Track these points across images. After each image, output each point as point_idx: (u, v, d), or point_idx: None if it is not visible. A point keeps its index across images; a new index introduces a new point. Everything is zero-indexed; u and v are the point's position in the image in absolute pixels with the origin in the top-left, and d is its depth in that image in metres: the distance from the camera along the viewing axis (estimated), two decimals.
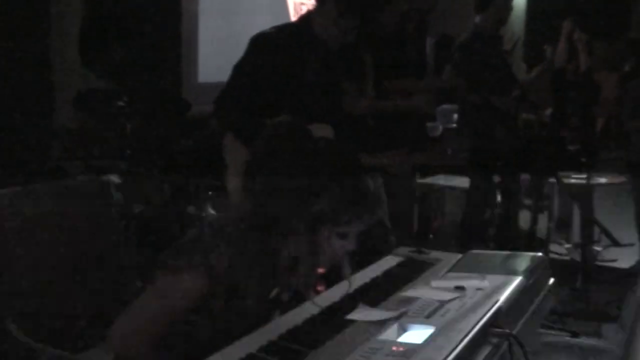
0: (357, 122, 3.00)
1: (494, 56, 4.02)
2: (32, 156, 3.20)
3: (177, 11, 4.02)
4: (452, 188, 4.59)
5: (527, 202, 4.51)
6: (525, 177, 4.31)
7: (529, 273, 1.97)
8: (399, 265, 2.13)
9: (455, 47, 3.92)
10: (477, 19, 4.03)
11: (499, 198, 4.29)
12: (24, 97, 3.39)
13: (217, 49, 4.15)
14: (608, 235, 4.57)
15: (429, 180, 4.70)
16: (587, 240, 4.34)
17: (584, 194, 4.48)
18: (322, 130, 2.69)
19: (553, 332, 3.32)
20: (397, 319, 1.55)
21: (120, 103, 3.01)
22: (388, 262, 2.15)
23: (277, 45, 2.61)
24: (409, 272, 2.02)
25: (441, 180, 4.71)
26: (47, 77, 3.53)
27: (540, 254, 2.19)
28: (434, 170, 4.78)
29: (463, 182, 4.37)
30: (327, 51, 2.71)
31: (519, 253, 2.23)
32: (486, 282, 1.85)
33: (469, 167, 4.19)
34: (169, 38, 4.02)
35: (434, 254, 2.19)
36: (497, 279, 1.92)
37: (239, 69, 2.62)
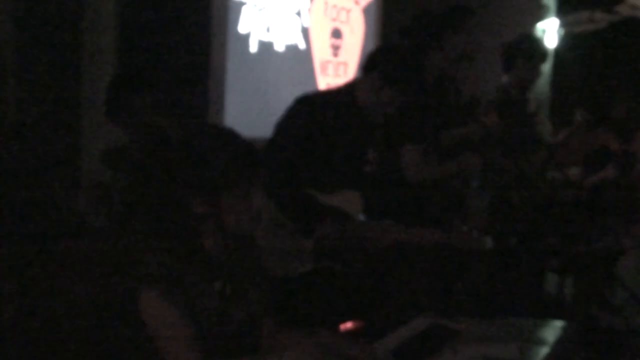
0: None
1: (519, 118, 4.02)
2: (58, 211, 3.22)
3: (205, 70, 4.09)
4: (476, 248, 4.53)
5: (554, 264, 4.44)
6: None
7: (559, 344, 1.92)
8: (426, 330, 2.09)
9: (481, 107, 3.92)
10: (504, 80, 4.05)
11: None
12: (51, 151, 3.44)
13: (243, 104, 4.20)
14: (637, 299, 4.46)
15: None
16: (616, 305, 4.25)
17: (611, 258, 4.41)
18: (351, 199, 2.70)
19: None
20: None
21: (132, 154, 3.03)
22: (416, 326, 2.11)
23: (321, 108, 2.63)
24: (437, 339, 1.98)
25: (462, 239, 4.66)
26: (76, 132, 3.58)
27: (571, 322, 2.14)
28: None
29: (487, 242, 4.32)
30: (367, 121, 2.72)
31: (549, 321, 2.18)
32: (517, 353, 1.81)
33: (491, 227, 4.14)
34: (197, 96, 4.07)
35: (462, 319, 2.15)
36: (526, 348, 1.87)
37: (282, 127, 2.63)
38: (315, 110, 2.61)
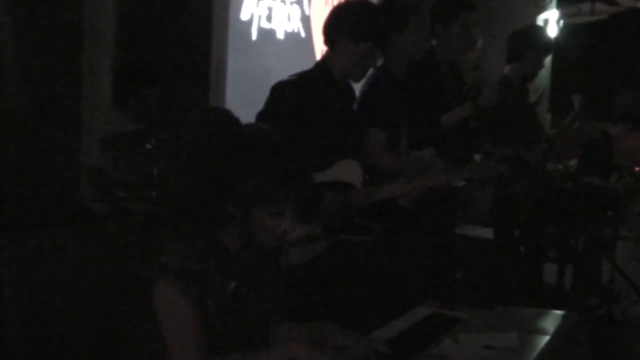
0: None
1: (519, 107, 4.02)
2: (60, 196, 3.22)
3: (206, 58, 4.08)
4: (477, 239, 4.55)
5: (553, 254, 4.45)
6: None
7: (559, 333, 1.93)
8: (426, 319, 2.10)
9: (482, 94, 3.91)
10: (506, 69, 4.04)
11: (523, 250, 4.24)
12: (52, 137, 3.43)
13: (244, 96, 4.19)
14: (636, 289, 4.48)
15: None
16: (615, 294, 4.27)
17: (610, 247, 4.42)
18: (351, 169, 2.71)
19: None
20: None
21: (148, 146, 3.04)
22: (416, 315, 2.12)
23: (298, 90, 2.64)
24: (437, 328, 1.99)
25: (466, 230, 4.67)
26: (77, 117, 3.58)
27: (571, 312, 2.15)
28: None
29: (487, 232, 4.33)
30: (345, 90, 2.77)
31: (549, 311, 2.19)
32: (517, 342, 1.82)
33: (492, 218, 4.15)
34: (198, 84, 4.06)
35: (463, 309, 2.16)
36: (526, 337, 1.88)
37: (263, 118, 2.64)
38: (292, 93, 2.64)
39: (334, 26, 2.73)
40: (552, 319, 2.09)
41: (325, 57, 2.79)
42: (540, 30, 4.87)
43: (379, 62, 3.19)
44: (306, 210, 2.55)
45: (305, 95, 2.64)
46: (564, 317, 2.10)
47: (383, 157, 2.94)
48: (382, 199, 2.72)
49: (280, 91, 2.67)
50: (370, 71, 3.14)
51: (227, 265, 1.67)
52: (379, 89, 3.12)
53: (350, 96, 2.87)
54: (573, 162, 4.94)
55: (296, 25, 4.80)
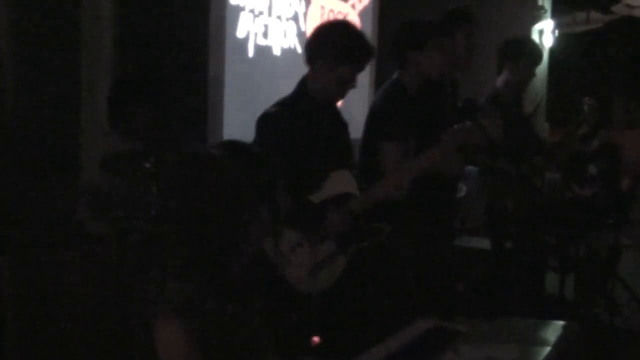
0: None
1: (515, 119, 4.02)
2: (57, 217, 3.22)
3: (204, 75, 4.10)
4: (476, 250, 4.55)
5: (554, 263, 4.44)
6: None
7: (560, 344, 1.93)
8: (427, 332, 2.10)
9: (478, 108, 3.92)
10: (498, 81, 4.06)
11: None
12: (51, 157, 3.44)
13: (241, 112, 4.21)
14: (637, 298, 4.47)
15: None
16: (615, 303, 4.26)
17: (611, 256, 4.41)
18: (343, 178, 2.73)
19: None
20: None
21: (147, 165, 3.04)
22: (417, 328, 2.12)
23: (284, 119, 2.66)
24: (438, 341, 1.99)
25: (466, 241, 4.68)
26: (75, 137, 3.59)
27: (571, 322, 2.15)
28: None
29: (487, 243, 4.32)
30: (327, 108, 2.79)
31: (550, 322, 2.19)
32: (518, 353, 1.82)
33: (488, 229, 4.15)
34: (196, 101, 4.08)
35: (463, 321, 2.16)
36: (527, 349, 1.88)
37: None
38: (279, 123, 2.67)
39: (315, 47, 2.74)
40: (553, 330, 2.08)
41: (305, 76, 2.80)
42: (528, 39, 4.90)
43: (394, 76, 3.21)
44: (315, 233, 2.56)
45: (289, 125, 2.66)
46: (565, 328, 2.10)
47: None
48: (381, 196, 2.73)
49: (266, 124, 2.70)
50: (385, 85, 3.17)
51: (226, 289, 1.66)
52: (393, 104, 3.13)
53: (333, 112, 2.87)
54: None
55: (292, 42, 4.83)
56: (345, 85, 2.74)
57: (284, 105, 2.74)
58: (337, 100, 2.86)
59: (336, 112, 2.91)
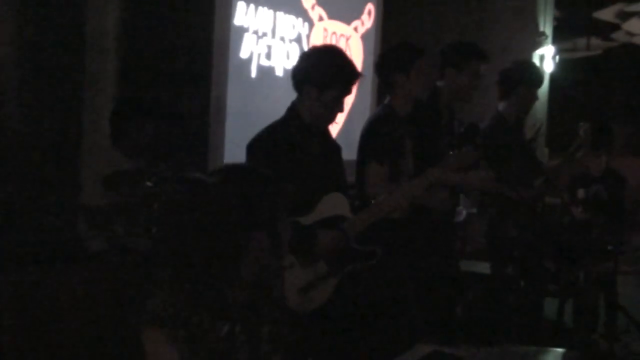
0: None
1: (516, 144, 4.04)
2: (59, 233, 3.22)
3: (206, 95, 4.12)
4: (476, 274, 4.54)
5: (553, 288, 4.43)
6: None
7: None
8: (426, 357, 2.09)
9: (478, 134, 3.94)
10: (500, 106, 4.07)
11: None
12: (52, 173, 3.45)
13: (243, 133, 4.22)
14: (637, 325, 4.46)
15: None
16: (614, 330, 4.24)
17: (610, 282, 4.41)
18: (336, 201, 2.73)
19: None
20: None
21: (149, 183, 3.04)
22: (417, 353, 2.11)
23: (274, 144, 2.68)
24: None
25: (466, 265, 4.67)
26: (77, 155, 3.59)
27: (571, 349, 2.14)
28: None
29: (486, 268, 4.32)
30: (316, 131, 2.80)
31: (550, 349, 2.18)
32: None
33: (488, 253, 4.14)
34: (198, 121, 4.10)
35: (463, 347, 2.15)
36: None
37: None
38: (269, 149, 2.68)
39: (301, 72, 2.76)
40: (553, 357, 2.07)
41: (295, 101, 2.82)
42: (531, 64, 4.92)
43: (386, 100, 3.25)
44: (305, 254, 2.56)
45: (278, 149, 2.67)
46: (564, 355, 2.09)
47: (384, 188, 2.97)
48: (375, 218, 2.73)
49: (255, 149, 2.71)
50: (377, 109, 3.19)
51: (221, 308, 1.67)
52: (380, 126, 3.17)
53: (323, 136, 2.89)
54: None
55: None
56: (332, 109, 2.75)
57: (273, 129, 2.76)
58: (327, 124, 2.86)
59: (326, 136, 2.93)
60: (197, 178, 1.74)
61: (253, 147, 2.73)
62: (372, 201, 2.78)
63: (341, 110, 2.79)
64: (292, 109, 2.80)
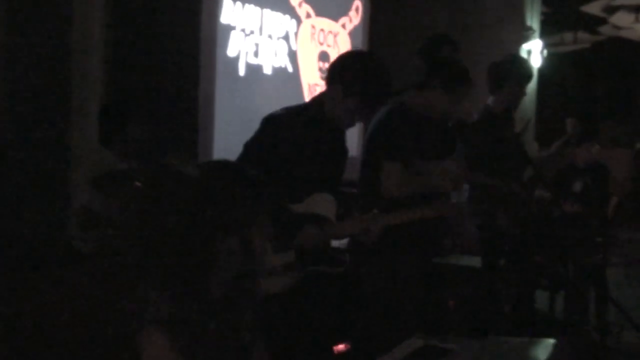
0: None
1: (505, 137, 4.05)
2: (47, 235, 3.21)
3: (195, 93, 4.11)
4: (467, 267, 4.55)
5: (544, 281, 4.45)
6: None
7: None
8: (418, 351, 2.09)
9: (467, 128, 3.95)
10: (490, 100, 4.09)
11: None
12: (41, 177, 3.43)
13: (232, 131, 4.22)
14: (627, 316, 4.49)
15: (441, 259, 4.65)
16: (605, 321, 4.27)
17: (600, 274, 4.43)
18: (325, 203, 2.73)
19: None
20: None
21: (138, 184, 3.03)
22: (408, 347, 2.11)
23: (288, 125, 2.66)
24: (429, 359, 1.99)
25: (456, 259, 4.68)
26: (66, 156, 3.58)
27: (562, 340, 2.15)
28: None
29: (477, 261, 4.33)
30: (335, 129, 2.78)
31: (540, 340, 2.19)
32: None
33: (480, 247, 4.16)
34: (187, 119, 4.09)
35: (454, 340, 2.16)
36: None
37: (250, 147, 2.66)
38: (282, 127, 2.65)
39: (334, 70, 2.73)
40: (544, 348, 2.08)
41: (322, 95, 2.80)
42: (520, 59, 4.94)
43: (404, 97, 3.22)
44: (283, 240, 2.56)
45: (293, 132, 2.65)
46: (555, 346, 2.09)
47: (400, 188, 2.99)
48: (354, 232, 2.74)
49: (269, 125, 2.68)
50: (389, 105, 3.16)
51: (205, 306, 1.66)
52: (394, 123, 3.12)
53: (338, 134, 2.88)
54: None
55: (283, 61, 4.86)
56: (352, 115, 2.73)
57: (294, 110, 2.73)
58: (345, 127, 2.82)
59: (342, 136, 2.89)
60: (176, 170, 1.70)
61: (269, 121, 2.70)
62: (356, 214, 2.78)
63: (363, 119, 2.76)
64: (318, 99, 2.79)
